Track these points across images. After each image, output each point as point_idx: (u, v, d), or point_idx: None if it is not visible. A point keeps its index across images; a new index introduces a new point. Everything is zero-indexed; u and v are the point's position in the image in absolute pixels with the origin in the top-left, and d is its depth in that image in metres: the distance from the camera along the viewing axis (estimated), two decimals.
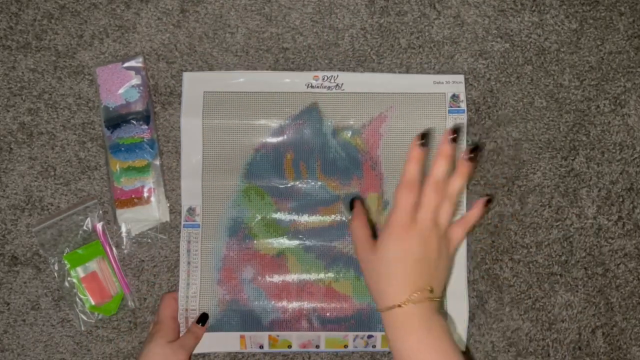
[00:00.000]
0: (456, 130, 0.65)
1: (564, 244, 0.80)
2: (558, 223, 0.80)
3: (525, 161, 0.80)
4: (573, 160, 0.80)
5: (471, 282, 0.80)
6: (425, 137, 0.65)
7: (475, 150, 0.66)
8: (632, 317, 0.80)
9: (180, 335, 0.76)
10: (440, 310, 0.65)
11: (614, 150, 0.81)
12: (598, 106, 0.81)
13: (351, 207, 0.74)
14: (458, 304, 0.79)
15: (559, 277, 0.80)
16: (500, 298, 0.80)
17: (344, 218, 0.79)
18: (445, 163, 0.65)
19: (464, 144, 0.79)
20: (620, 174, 0.81)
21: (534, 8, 0.81)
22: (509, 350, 0.80)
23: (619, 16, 0.81)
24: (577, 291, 0.80)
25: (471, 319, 0.80)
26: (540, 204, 0.80)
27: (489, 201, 0.70)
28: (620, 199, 0.81)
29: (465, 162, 0.67)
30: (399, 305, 0.62)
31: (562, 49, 0.81)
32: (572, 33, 0.81)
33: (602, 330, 0.80)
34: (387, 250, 0.64)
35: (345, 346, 0.79)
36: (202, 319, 0.77)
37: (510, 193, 0.80)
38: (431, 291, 0.63)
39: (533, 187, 0.80)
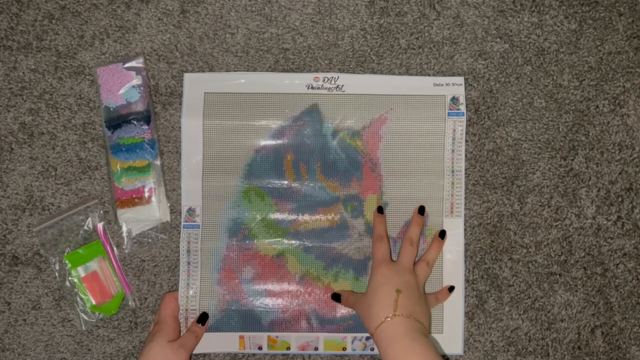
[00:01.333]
0: (422, 209, 0.79)
1: (563, 243, 0.80)
2: (557, 223, 0.80)
3: (525, 161, 0.80)
4: (572, 160, 0.81)
5: (471, 282, 0.80)
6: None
7: (442, 234, 0.79)
8: (631, 316, 0.80)
9: (181, 335, 0.76)
10: (428, 336, 0.70)
11: (613, 150, 0.81)
12: (597, 106, 0.81)
13: (338, 300, 0.80)
14: (455, 302, 0.79)
15: (558, 276, 0.80)
16: (500, 298, 0.80)
17: (343, 218, 0.79)
18: (418, 228, 0.78)
19: (462, 149, 0.79)
20: (620, 174, 0.81)
21: (533, 8, 0.81)
22: (508, 350, 0.80)
23: (618, 17, 0.81)
24: (576, 291, 0.80)
25: (471, 318, 0.80)
26: (539, 203, 0.80)
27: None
28: (620, 199, 0.81)
29: (437, 239, 0.79)
30: (387, 319, 0.69)
31: (561, 50, 0.81)
32: (572, 33, 0.81)
33: (602, 330, 0.80)
34: (373, 282, 0.74)
35: (344, 348, 0.79)
36: (202, 318, 0.77)
37: (510, 193, 0.80)
38: (418, 320, 0.70)
39: (532, 187, 0.80)
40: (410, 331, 0.68)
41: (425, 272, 0.77)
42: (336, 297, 0.79)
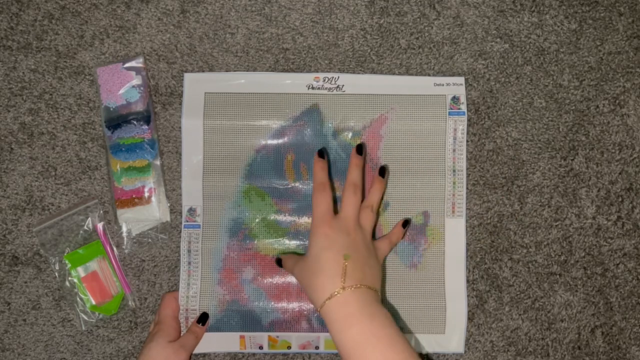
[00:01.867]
0: (360, 147, 0.74)
1: (563, 243, 0.80)
2: (557, 223, 0.80)
3: (525, 161, 0.80)
4: (572, 160, 0.81)
5: (471, 282, 0.80)
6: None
7: (382, 170, 0.75)
8: (631, 316, 0.80)
9: (181, 335, 0.76)
10: (379, 301, 0.65)
11: (613, 150, 0.81)
12: (597, 106, 0.81)
13: (280, 264, 0.76)
14: (457, 304, 0.79)
15: (558, 276, 0.80)
16: (500, 298, 0.80)
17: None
18: (358, 171, 0.73)
19: (464, 148, 0.79)
20: (620, 174, 0.81)
21: (533, 8, 0.81)
22: (508, 350, 0.80)
23: (618, 16, 0.81)
24: (576, 291, 0.80)
25: (471, 318, 0.80)
26: (539, 203, 0.80)
27: (405, 223, 0.77)
28: (620, 199, 0.81)
29: (378, 178, 0.75)
30: (336, 293, 0.62)
31: (561, 49, 0.81)
32: (572, 33, 0.81)
33: (602, 330, 0.80)
34: (314, 245, 0.67)
35: None
36: (202, 318, 0.77)
37: (510, 193, 0.80)
38: (369, 286, 0.64)
39: (532, 187, 0.80)
40: (365, 306, 0.62)
41: (371, 220, 0.72)
42: (279, 262, 0.75)
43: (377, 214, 0.76)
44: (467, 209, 0.80)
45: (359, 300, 0.62)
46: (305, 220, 0.79)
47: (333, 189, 0.78)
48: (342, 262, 0.65)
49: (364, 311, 0.61)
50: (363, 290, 0.63)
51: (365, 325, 0.61)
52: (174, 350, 0.72)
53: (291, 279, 0.79)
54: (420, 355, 0.78)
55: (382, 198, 0.76)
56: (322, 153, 0.75)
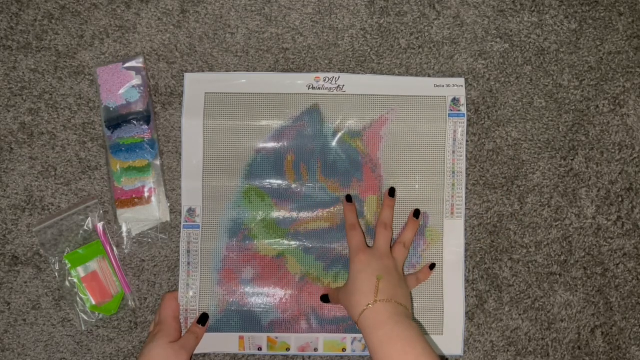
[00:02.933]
0: (393, 190, 0.79)
1: (563, 243, 0.80)
2: (557, 223, 0.80)
3: (525, 161, 0.80)
4: (572, 160, 0.81)
5: (471, 282, 0.80)
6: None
7: (417, 214, 0.79)
8: (631, 316, 0.80)
9: (181, 335, 0.76)
10: (411, 318, 0.70)
11: (613, 150, 0.81)
12: (597, 106, 0.81)
13: (326, 301, 0.79)
14: (455, 303, 0.79)
15: (558, 276, 0.80)
16: (500, 298, 0.80)
17: (343, 219, 0.79)
18: (390, 211, 0.78)
19: (463, 150, 0.79)
20: (620, 174, 0.81)
21: (533, 8, 0.81)
22: (508, 350, 0.80)
23: (618, 16, 0.81)
24: (576, 291, 0.80)
25: (471, 318, 0.80)
26: (539, 203, 0.80)
27: (433, 265, 0.79)
28: (620, 199, 0.81)
29: (413, 219, 0.79)
30: (370, 305, 0.69)
31: (561, 49, 0.81)
32: (572, 33, 0.81)
33: (602, 330, 0.80)
34: (352, 270, 0.74)
35: (344, 349, 0.79)
36: (203, 319, 0.77)
37: (510, 193, 0.80)
38: (400, 304, 0.70)
39: (532, 187, 0.80)
40: (393, 315, 0.68)
41: (403, 254, 0.77)
42: (325, 299, 0.79)
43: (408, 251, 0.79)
44: (467, 209, 0.80)
45: (389, 310, 0.68)
46: (304, 220, 0.79)
47: (341, 189, 0.80)
48: (375, 281, 0.71)
49: (392, 318, 0.67)
50: (393, 304, 0.69)
51: (390, 327, 0.67)
52: (175, 351, 0.72)
53: (291, 280, 0.79)
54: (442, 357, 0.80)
55: (414, 236, 0.79)
56: (350, 198, 0.79)
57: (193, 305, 0.78)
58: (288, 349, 0.79)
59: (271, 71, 0.80)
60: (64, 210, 0.79)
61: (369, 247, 0.77)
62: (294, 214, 0.79)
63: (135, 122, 0.78)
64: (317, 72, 0.80)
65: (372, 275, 0.71)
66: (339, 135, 0.79)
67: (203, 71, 0.80)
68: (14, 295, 0.79)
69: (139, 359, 0.71)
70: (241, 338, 0.79)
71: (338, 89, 0.79)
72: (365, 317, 0.68)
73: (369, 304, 0.69)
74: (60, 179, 0.79)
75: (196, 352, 0.77)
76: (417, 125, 0.79)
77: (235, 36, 0.80)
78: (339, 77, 0.79)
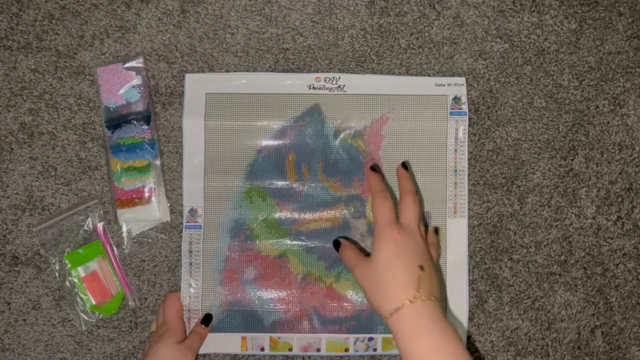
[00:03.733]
0: (404, 164, 0.73)
1: (563, 243, 0.80)
2: (557, 223, 0.81)
3: (525, 161, 0.81)
4: (572, 160, 0.81)
5: (471, 282, 0.80)
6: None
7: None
8: (631, 316, 0.81)
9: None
10: (445, 315, 0.64)
11: (613, 150, 0.81)
12: (597, 106, 0.81)
13: (336, 248, 0.74)
14: (459, 303, 0.79)
15: (558, 276, 0.80)
16: (500, 298, 0.80)
17: (345, 218, 0.79)
18: (410, 180, 0.71)
19: (465, 148, 0.79)
20: (620, 174, 0.81)
21: (533, 8, 0.81)
22: (508, 350, 0.80)
23: (618, 16, 0.81)
24: (576, 291, 0.80)
25: (471, 318, 0.80)
26: (539, 203, 0.80)
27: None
28: (620, 199, 0.81)
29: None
30: (409, 301, 0.60)
31: (561, 50, 0.81)
32: (572, 33, 0.81)
33: (601, 330, 0.81)
34: (383, 249, 0.64)
35: (346, 349, 0.79)
36: (206, 319, 0.77)
37: (510, 193, 0.80)
38: (435, 297, 0.63)
39: (532, 187, 0.80)
40: (438, 320, 0.60)
41: (423, 230, 0.69)
42: (336, 245, 0.73)
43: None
44: (467, 208, 0.80)
45: (432, 313, 0.60)
46: (306, 220, 0.79)
47: (343, 189, 0.79)
48: (415, 271, 0.62)
49: (436, 325, 0.60)
50: (434, 302, 0.61)
51: (436, 339, 0.59)
52: (181, 351, 0.71)
53: (293, 280, 0.79)
54: None
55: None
56: (374, 167, 0.72)
57: (195, 305, 0.78)
58: (290, 349, 0.79)
59: (271, 71, 0.80)
60: (64, 210, 0.79)
61: (398, 220, 0.67)
62: (296, 214, 0.79)
63: (135, 122, 0.78)
64: (317, 72, 0.80)
65: (411, 262, 0.62)
66: (340, 134, 0.79)
67: (203, 71, 0.80)
68: (14, 295, 0.79)
69: (145, 359, 0.70)
70: (243, 338, 0.79)
71: (339, 89, 0.79)
72: (402, 317, 0.60)
73: (407, 302, 0.60)
74: (60, 179, 0.79)
75: (199, 352, 0.77)
76: (419, 124, 0.79)
77: (235, 36, 0.80)
78: (340, 77, 0.79)
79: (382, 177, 0.71)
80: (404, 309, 0.60)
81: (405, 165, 0.72)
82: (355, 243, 0.79)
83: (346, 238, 0.75)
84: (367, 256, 0.67)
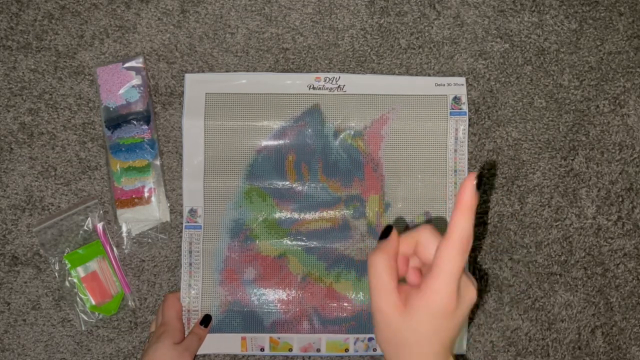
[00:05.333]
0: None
1: (563, 243, 0.80)
2: (557, 223, 0.81)
3: (525, 161, 0.80)
4: (572, 160, 0.81)
5: None
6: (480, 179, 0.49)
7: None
8: (631, 316, 0.80)
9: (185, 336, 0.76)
10: None
11: (613, 150, 0.81)
12: (597, 106, 0.81)
13: (384, 235, 0.53)
14: None
15: (558, 277, 0.80)
16: (500, 298, 0.80)
17: (345, 219, 0.79)
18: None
19: (465, 148, 0.79)
20: (620, 174, 0.81)
21: (533, 8, 0.81)
22: (508, 350, 0.80)
23: (619, 16, 0.81)
24: (576, 291, 0.80)
25: (471, 318, 0.80)
26: (539, 204, 0.80)
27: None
28: (620, 199, 0.81)
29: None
30: None
31: (561, 49, 0.81)
32: (572, 33, 0.81)
33: (602, 330, 0.80)
34: (426, 321, 0.49)
35: (346, 350, 0.79)
36: (205, 320, 0.77)
37: (510, 193, 0.80)
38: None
39: (532, 187, 0.80)
40: None
41: None
42: (387, 232, 0.52)
43: None
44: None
45: None
46: (306, 220, 0.79)
47: (343, 189, 0.79)
48: (449, 345, 0.51)
49: None
50: None
51: None
52: (179, 352, 0.71)
53: (292, 280, 0.79)
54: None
55: None
56: (479, 183, 0.48)
57: (195, 305, 0.78)
58: (290, 350, 0.79)
59: (271, 71, 0.80)
60: (64, 210, 0.79)
61: None
62: (296, 214, 0.79)
63: (135, 122, 0.78)
64: (317, 72, 0.80)
65: (445, 347, 0.50)
66: (340, 134, 0.79)
67: (203, 71, 0.80)
68: (13, 295, 0.79)
69: (143, 359, 0.70)
70: (243, 339, 0.79)
71: (339, 89, 0.79)
72: None
73: None
74: (60, 179, 0.79)
75: (198, 352, 0.77)
76: (419, 124, 0.79)
77: (235, 36, 0.80)
78: (340, 77, 0.79)
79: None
80: None
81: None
82: (354, 244, 0.79)
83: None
84: (401, 299, 0.50)
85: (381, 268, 0.51)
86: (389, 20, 0.81)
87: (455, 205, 0.48)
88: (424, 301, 0.48)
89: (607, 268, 0.81)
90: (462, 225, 0.47)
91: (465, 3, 0.81)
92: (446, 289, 0.48)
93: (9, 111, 0.79)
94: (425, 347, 0.49)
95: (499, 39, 0.81)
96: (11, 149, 0.79)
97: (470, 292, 0.50)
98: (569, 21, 0.81)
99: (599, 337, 0.80)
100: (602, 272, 0.81)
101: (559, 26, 0.81)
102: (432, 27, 0.81)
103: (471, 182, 0.47)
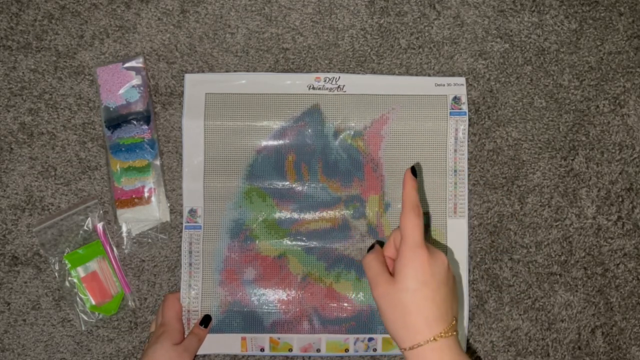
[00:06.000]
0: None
1: (563, 243, 0.80)
2: (557, 223, 0.80)
3: (525, 161, 0.80)
4: (572, 160, 0.81)
5: (471, 282, 0.80)
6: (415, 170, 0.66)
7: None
8: (631, 316, 0.80)
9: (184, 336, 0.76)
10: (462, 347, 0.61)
11: (613, 150, 0.81)
12: (597, 106, 0.81)
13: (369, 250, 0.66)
14: (459, 303, 0.79)
15: (558, 277, 0.80)
16: (500, 298, 0.80)
17: (345, 219, 0.79)
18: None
19: (465, 148, 0.79)
20: (620, 174, 0.81)
21: (533, 8, 0.81)
22: (508, 350, 0.80)
23: (619, 16, 0.81)
24: (576, 291, 0.80)
25: (471, 318, 0.80)
26: (539, 204, 0.80)
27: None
28: (620, 199, 0.81)
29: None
30: (432, 340, 0.57)
31: (561, 49, 0.81)
32: (572, 33, 0.81)
33: (602, 330, 0.80)
34: (411, 277, 0.59)
35: (346, 350, 0.79)
36: (205, 320, 0.77)
37: (510, 193, 0.80)
38: (455, 321, 0.60)
39: (533, 187, 0.80)
40: (457, 358, 0.57)
41: None
42: (371, 247, 0.66)
43: None
44: (467, 209, 0.80)
45: (452, 350, 0.57)
46: (306, 220, 0.79)
47: (342, 189, 0.79)
48: (443, 306, 0.59)
49: None
50: (455, 338, 0.58)
51: None
52: (178, 353, 0.71)
53: (292, 280, 0.79)
54: None
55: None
56: (414, 171, 0.65)
57: (195, 306, 0.78)
58: (290, 350, 0.79)
59: (271, 71, 0.80)
60: (64, 210, 0.79)
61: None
62: (296, 214, 0.79)
63: (135, 122, 0.78)
64: (317, 72, 0.80)
65: (440, 294, 0.58)
66: (340, 135, 0.79)
67: (203, 71, 0.80)
68: (13, 295, 0.79)
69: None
70: (243, 339, 0.78)
71: (339, 89, 0.79)
72: (423, 353, 0.57)
73: (431, 339, 0.57)
74: (60, 179, 0.79)
75: (198, 353, 0.77)
76: (418, 124, 0.79)
77: (235, 36, 0.80)
78: (340, 77, 0.79)
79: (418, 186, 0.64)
80: (426, 346, 0.57)
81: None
82: (354, 244, 0.79)
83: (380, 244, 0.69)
84: (392, 275, 0.62)
85: (373, 263, 0.64)
86: (389, 20, 0.81)
87: (403, 186, 0.64)
88: (403, 261, 0.60)
89: (607, 268, 0.80)
90: (410, 198, 0.63)
91: (465, 3, 0.81)
92: (415, 244, 0.60)
93: (9, 111, 0.79)
94: (424, 310, 0.58)
95: (499, 39, 0.81)
96: (11, 149, 0.79)
97: (440, 257, 0.61)
98: (569, 21, 0.81)
99: (599, 337, 0.80)
100: (602, 272, 0.80)
101: (559, 26, 0.81)
102: (432, 27, 0.81)
103: (409, 170, 0.64)
